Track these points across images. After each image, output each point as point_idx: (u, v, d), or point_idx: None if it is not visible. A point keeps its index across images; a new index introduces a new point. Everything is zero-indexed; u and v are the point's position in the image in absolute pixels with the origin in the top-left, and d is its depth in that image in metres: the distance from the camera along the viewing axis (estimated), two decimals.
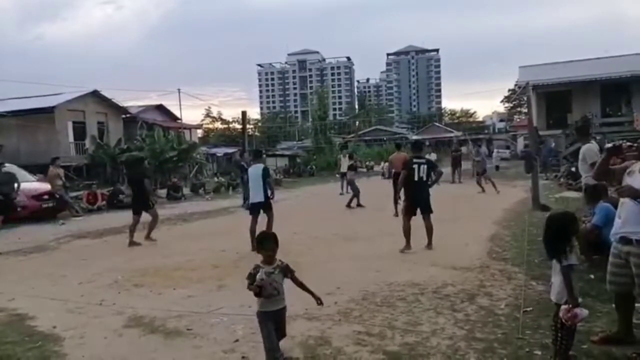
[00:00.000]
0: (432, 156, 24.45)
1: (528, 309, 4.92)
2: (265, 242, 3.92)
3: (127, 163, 10.70)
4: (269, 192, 8.98)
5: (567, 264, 3.55)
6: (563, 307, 3.50)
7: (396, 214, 11.78)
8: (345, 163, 19.38)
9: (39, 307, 5.79)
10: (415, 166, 8.21)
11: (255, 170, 9.06)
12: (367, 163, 40.50)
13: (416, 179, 8.18)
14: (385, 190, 19.37)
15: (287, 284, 4.05)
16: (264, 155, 9.76)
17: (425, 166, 8.24)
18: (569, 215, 3.79)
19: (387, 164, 29.44)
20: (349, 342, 4.32)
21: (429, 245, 8.20)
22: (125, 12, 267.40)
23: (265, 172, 9.00)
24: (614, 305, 4.25)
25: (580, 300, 3.64)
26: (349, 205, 14.89)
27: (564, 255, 3.55)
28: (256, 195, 8.96)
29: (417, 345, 4.18)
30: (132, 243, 9.97)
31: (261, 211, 8.90)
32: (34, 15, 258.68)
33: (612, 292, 4.15)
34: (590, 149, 7.39)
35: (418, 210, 8.27)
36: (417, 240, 8.21)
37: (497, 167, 29.97)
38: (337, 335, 4.50)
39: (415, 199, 8.27)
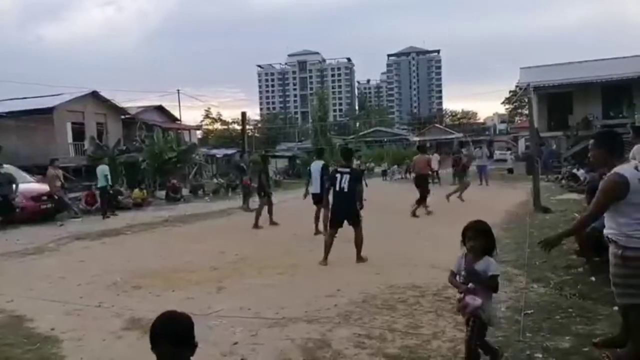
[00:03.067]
0: (435, 157, 24.44)
1: (529, 312, 4.89)
2: None
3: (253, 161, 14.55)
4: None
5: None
6: (458, 296, 3.48)
7: (414, 215, 12.42)
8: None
9: (37, 308, 5.76)
10: (338, 175, 7.73)
11: (316, 166, 10.62)
12: (367, 164, 40.48)
13: (337, 189, 7.68)
14: (385, 191, 19.36)
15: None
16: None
17: (348, 176, 7.67)
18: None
19: (396, 166, 29.64)
20: (349, 344, 4.29)
21: (358, 258, 7.67)
22: (125, 13, 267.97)
23: (324, 169, 10.31)
24: (615, 308, 4.22)
25: (469, 285, 3.40)
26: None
27: None
28: (315, 188, 10.51)
29: (418, 348, 4.15)
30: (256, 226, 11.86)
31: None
32: (34, 16, 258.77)
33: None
34: None
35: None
36: (419, 243, 8.18)
37: (510, 170, 29.14)
38: (337, 337, 4.47)
39: (337, 210, 7.81)
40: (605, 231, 3.73)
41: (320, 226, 10.29)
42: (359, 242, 7.72)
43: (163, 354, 2.06)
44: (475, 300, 3.30)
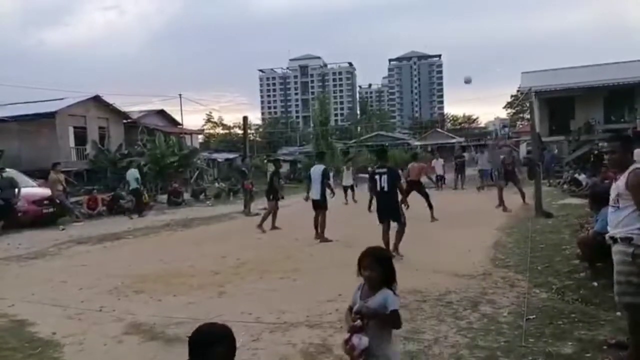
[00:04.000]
0: (440, 161, 24.43)
1: (531, 317, 4.87)
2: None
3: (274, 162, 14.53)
4: (328, 191, 10.47)
5: None
6: (345, 337, 2.89)
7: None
8: (349, 175, 19.44)
9: (39, 313, 5.77)
10: (377, 177, 8.15)
11: (316, 170, 10.44)
12: (370, 169, 40.40)
13: (378, 189, 8.16)
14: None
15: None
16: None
17: (386, 176, 8.07)
18: None
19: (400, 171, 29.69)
20: None
21: (394, 250, 7.93)
22: (128, 17, 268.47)
23: (324, 173, 10.35)
24: (618, 313, 4.21)
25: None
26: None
27: None
28: (314, 194, 10.38)
29: (419, 354, 4.14)
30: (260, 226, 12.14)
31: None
32: (36, 20, 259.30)
33: None
34: None
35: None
36: (419, 245, 8.17)
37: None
38: (338, 342, 4.43)
39: (380, 209, 8.25)
40: (613, 231, 3.75)
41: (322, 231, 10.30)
42: (399, 237, 8.12)
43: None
44: (361, 340, 2.78)
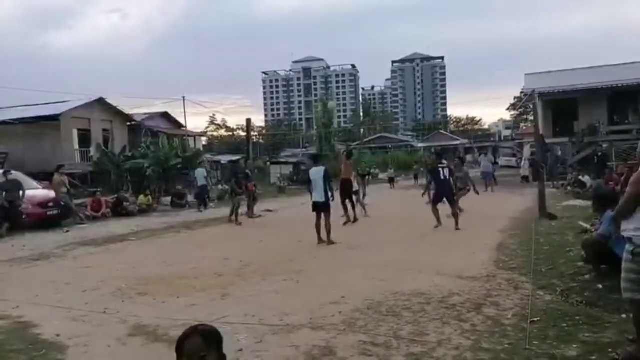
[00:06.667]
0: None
1: (535, 319, 4.85)
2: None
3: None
4: (330, 194, 10.17)
5: None
6: None
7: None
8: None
9: (43, 315, 5.77)
10: (440, 169, 11.46)
11: (317, 173, 10.28)
12: (372, 170, 40.61)
13: (442, 178, 11.29)
14: (389, 198, 19.36)
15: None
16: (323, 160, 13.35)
17: (447, 170, 11.54)
18: None
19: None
20: (354, 352, 4.27)
21: (456, 226, 10.89)
22: (131, 20, 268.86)
23: (326, 174, 10.22)
24: (624, 316, 4.19)
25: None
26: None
27: None
28: (318, 196, 10.10)
29: (423, 356, 4.12)
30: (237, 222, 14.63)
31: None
32: (39, 23, 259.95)
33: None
34: None
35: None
36: (424, 249, 8.15)
37: (525, 178, 27.07)
38: (342, 345, 4.45)
39: (442, 192, 11.32)
40: (627, 233, 3.82)
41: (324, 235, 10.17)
42: (456, 214, 11.22)
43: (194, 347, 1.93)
44: None
